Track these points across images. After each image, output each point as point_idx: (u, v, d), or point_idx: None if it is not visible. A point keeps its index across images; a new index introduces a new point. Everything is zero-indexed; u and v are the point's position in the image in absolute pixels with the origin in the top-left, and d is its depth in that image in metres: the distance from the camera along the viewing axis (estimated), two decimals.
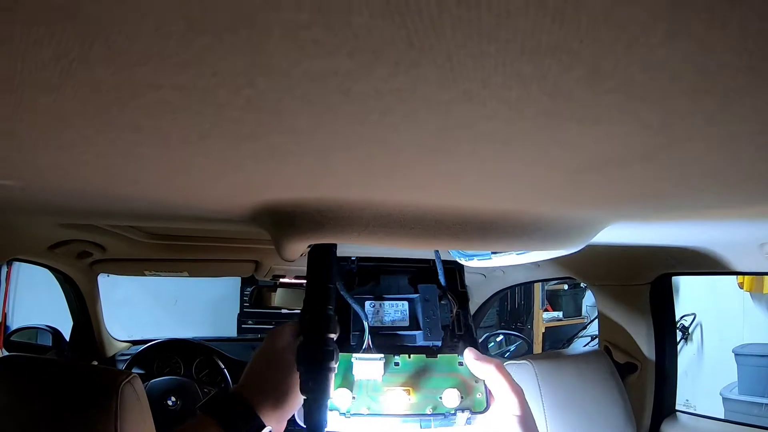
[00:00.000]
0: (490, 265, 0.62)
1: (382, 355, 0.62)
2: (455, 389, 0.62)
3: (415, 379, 0.63)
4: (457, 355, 0.65)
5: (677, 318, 3.60)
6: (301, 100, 0.21)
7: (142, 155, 0.31)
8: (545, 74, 0.19)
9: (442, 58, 0.17)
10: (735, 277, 3.14)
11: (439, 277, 0.69)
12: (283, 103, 0.22)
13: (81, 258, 1.40)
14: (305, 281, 0.56)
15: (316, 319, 0.53)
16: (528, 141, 0.27)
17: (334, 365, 0.53)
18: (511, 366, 1.17)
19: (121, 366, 1.89)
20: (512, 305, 4.05)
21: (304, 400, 0.53)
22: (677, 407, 1.48)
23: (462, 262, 0.66)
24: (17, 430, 0.74)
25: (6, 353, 1.92)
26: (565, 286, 4.30)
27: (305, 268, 0.56)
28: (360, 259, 0.73)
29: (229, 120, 0.24)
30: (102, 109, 0.24)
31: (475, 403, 0.62)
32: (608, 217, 0.54)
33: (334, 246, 0.56)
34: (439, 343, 0.66)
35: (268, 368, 0.61)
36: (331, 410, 0.58)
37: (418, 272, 0.73)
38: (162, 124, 0.25)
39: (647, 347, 1.42)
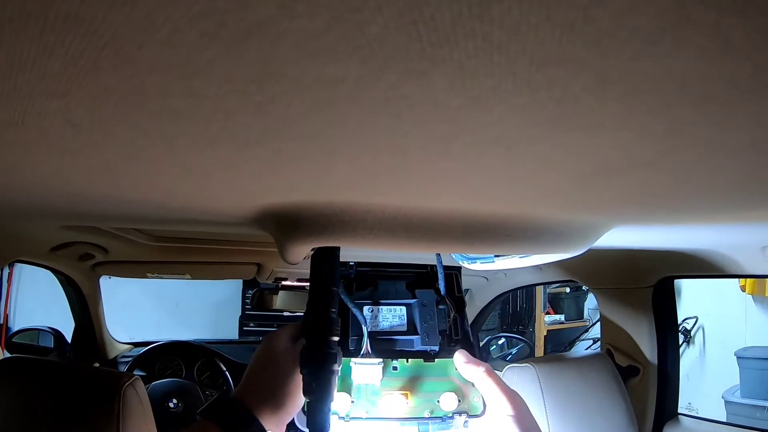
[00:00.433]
0: (493, 268, 0.62)
1: (381, 360, 0.63)
2: (452, 393, 0.63)
3: (413, 384, 0.64)
4: (453, 359, 0.65)
5: (679, 321, 3.60)
6: (311, 105, 0.22)
7: (149, 160, 0.32)
8: (553, 82, 0.19)
9: (453, 67, 0.18)
10: (737, 280, 3.13)
11: (440, 282, 0.70)
12: (293, 109, 0.22)
13: (83, 260, 1.40)
14: (307, 284, 0.57)
15: (319, 321, 0.53)
16: (534, 146, 0.27)
17: (337, 368, 0.53)
18: (514, 369, 1.17)
19: (123, 368, 1.89)
20: (514, 308, 4.05)
21: (307, 402, 0.53)
22: (680, 410, 1.48)
23: (465, 265, 0.66)
24: None
25: (8, 355, 1.92)
26: (567, 290, 4.29)
27: (307, 271, 0.56)
28: (358, 264, 0.74)
29: (238, 125, 0.24)
30: (110, 115, 0.24)
31: (471, 406, 0.63)
32: (611, 220, 0.54)
33: (338, 249, 0.56)
34: (437, 348, 0.67)
35: (265, 372, 0.62)
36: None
37: (415, 277, 0.74)
38: (170, 130, 0.25)
39: (649, 350, 1.42)
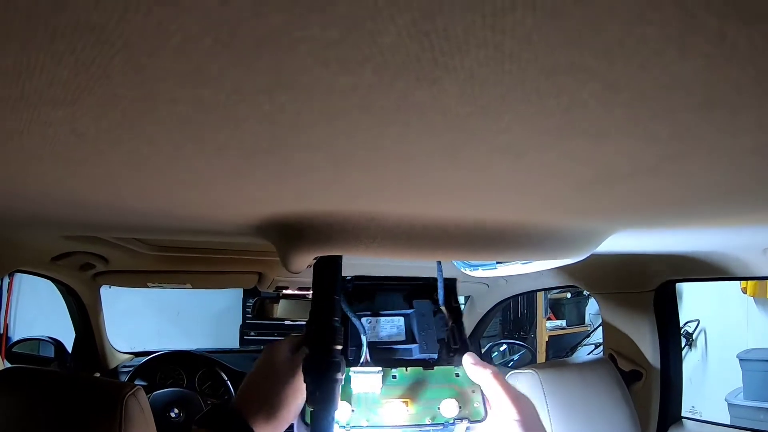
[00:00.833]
0: (495, 275, 0.62)
1: (380, 369, 0.63)
2: (453, 399, 0.63)
3: (413, 391, 0.64)
4: (453, 366, 0.66)
5: (681, 324, 3.59)
6: (320, 114, 0.22)
7: (154, 168, 0.32)
8: (561, 90, 0.19)
9: (463, 76, 0.18)
10: (738, 282, 3.13)
11: (438, 292, 0.70)
12: (302, 118, 0.22)
13: (84, 270, 1.40)
14: (308, 293, 0.57)
15: (322, 330, 0.53)
16: (540, 154, 0.27)
17: (341, 376, 0.53)
18: (517, 375, 1.17)
19: (124, 378, 1.88)
20: (515, 314, 4.04)
21: (311, 411, 0.53)
22: (683, 414, 1.48)
23: (467, 272, 0.66)
24: None
25: (8, 365, 1.92)
26: (568, 295, 4.29)
27: (309, 280, 0.56)
28: (356, 278, 0.74)
29: (246, 134, 0.24)
30: (116, 124, 0.24)
31: (473, 412, 0.63)
32: (614, 225, 0.54)
33: (340, 258, 0.56)
34: (435, 356, 0.68)
35: (264, 381, 0.62)
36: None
37: (412, 289, 0.74)
38: (177, 138, 0.25)
39: (652, 355, 1.42)
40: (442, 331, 0.70)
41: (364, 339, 0.66)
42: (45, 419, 0.75)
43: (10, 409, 0.76)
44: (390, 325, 0.69)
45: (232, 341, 3.99)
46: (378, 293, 0.73)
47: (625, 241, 0.82)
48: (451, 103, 0.20)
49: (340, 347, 0.54)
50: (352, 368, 0.63)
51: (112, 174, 0.34)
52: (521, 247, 0.49)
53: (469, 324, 2.07)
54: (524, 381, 1.15)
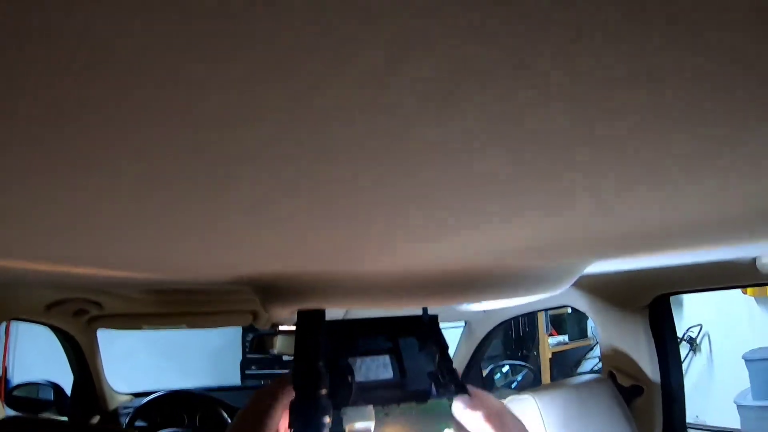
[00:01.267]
0: (478, 308, 0.63)
1: (371, 406, 0.62)
2: (450, 430, 0.62)
3: (408, 428, 0.63)
4: (446, 399, 0.65)
5: (684, 331, 3.58)
6: (296, 180, 0.22)
7: (120, 231, 0.32)
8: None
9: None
10: None
11: (425, 322, 0.69)
12: (275, 184, 0.22)
13: (78, 315, 1.40)
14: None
15: (307, 375, 0.54)
16: (515, 205, 0.28)
17: (328, 420, 0.53)
18: (514, 401, 1.17)
19: (124, 419, 1.87)
20: (517, 333, 4.02)
21: None
22: (688, 422, 1.46)
23: (452, 305, 0.66)
24: None
25: (8, 410, 1.91)
26: (569, 309, 4.26)
27: None
28: (335, 323, 0.74)
29: (220, 198, 0.24)
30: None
31: None
32: (590, 258, 0.54)
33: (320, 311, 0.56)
34: (426, 389, 0.67)
35: (248, 429, 0.60)
36: None
37: (395, 327, 0.74)
38: (149, 199, 0.26)
39: (651, 369, 1.41)
40: (430, 365, 0.69)
41: (352, 378, 0.65)
42: None
43: None
44: (375, 365, 0.68)
45: (233, 377, 3.95)
46: (361, 335, 0.72)
47: (610, 264, 0.83)
48: (427, 160, 0.21)
49: (325, 391, 0.54)
50: (342, 409, 0.62)
51: (92, 241, 0.34)
52: (499, 288, 0.50)
53: (467, 349, 2.06)
54: (522, 407, 1.14)
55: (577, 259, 0.52)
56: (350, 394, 0.64)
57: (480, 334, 2.02)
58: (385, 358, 0.68)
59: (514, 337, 4.01)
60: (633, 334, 1.42)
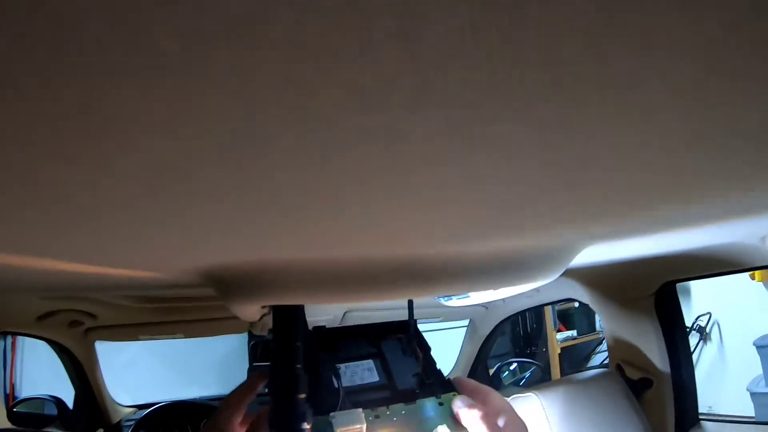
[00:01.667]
0: (469, 303, 0.60)
1: (360, 409, 0.61)
2: (445, 426, 0.61)
3: (399, 427, 0.62)
4: (435, 397, 0.64)
5: (693, 320, 3.55)
6: (265, 161, 0.20)
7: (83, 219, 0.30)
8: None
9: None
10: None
11: (411, 327, 0.69)
12: (247, 164, 0.21)
13: (73, 326, 1.38)
14: None
15: (285, 379, 0.51)
16: (492, 180, 0.25)
17: (307, 426, 0.51)
18: (517, 399, 1.14)
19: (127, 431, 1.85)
20: (524, 330, 3.99)
21: None
22: (701, 414, 1.43)
23: (443, 302, 0.64)
24: None
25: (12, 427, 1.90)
26: (576, 304, 4.22)
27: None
28: (317, 329, 0.74)
29: (186, 179, 0.22)
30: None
31: None
32: (582, 240, 0.52)
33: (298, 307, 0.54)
34: (415, 389, 0.66)
35: None
36: None
37: (376, 332, 0.74)
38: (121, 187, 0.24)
39: (660, 360, 1.38)
40: (414, 367, 0.69)
41: (338, 383, 0.64)
42: None
43: None
44: (361, 369, 0.68)
45: None
46: (344, 341, 0.72)
47: (614, 249, 0.80)
48: (403, 136, 0.19)
49: (304, 396, 0.51)
50: (331, 413, 0.60)
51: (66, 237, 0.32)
52: (488, 276, 0.47)
53: (472, 347, 2.03)
54: (524, 405, 1.11)
55: (564, 241, 0.49)
56: (338, 399, 0.62)
57: (484, 331, 1.99)
58: (370, 363, 0.68)
59: (522, 334, 3.98)
60: (639, 325, 1.39)
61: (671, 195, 0.36)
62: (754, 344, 3.01)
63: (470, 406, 0.60)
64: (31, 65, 0.12)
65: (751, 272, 3.05)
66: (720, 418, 1.43)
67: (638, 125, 0.22)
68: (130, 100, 0.15)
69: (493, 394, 0.61)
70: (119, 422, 1.94)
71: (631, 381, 1.34)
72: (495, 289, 0.50)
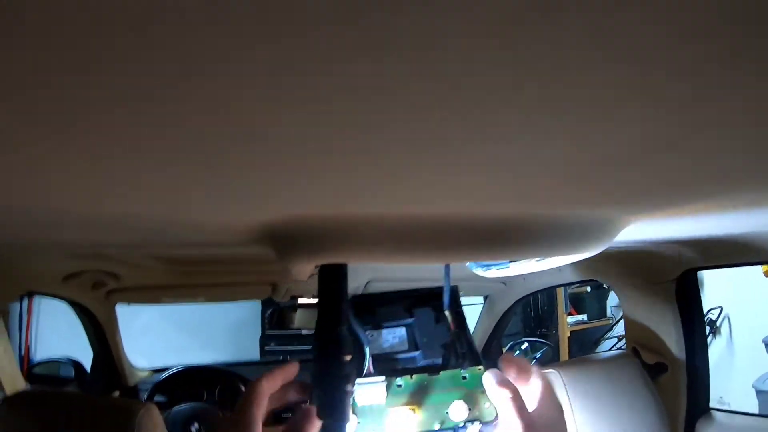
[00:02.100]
0: (509, 274, 0.60)
1: (384, 378, 0.61)
2: (462, 401, 0.61)
3: (420, 398, 0.62)
4: (460, 369, 0.63)
5: (704, 312, 3.52)
6: (319, 117, 0.20)
7: (146, 174, 0.30)
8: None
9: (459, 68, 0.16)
10: (760, 266, 3.07)
11: (444, 296, 0.68)
12: (302, 121, 0.20)
13: (96, 288, 1.39)
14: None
15: (331, 340, 0.51)
16: (543, 139, 0.25)
17: (352, 388, 0.51)
18: None
19: (144, 395, 1.87)
20: (536, 311, 3.99)
21: (322, 425, 0.51)
22: (711, 405, 1.43)
23: (480, 273, 0.64)
24: None
25: (29, 386, 1.92)
26: (588, 288, 4.24)
27: None
28: (354, 296, 0.74)
29: (244, 138, 0.22)
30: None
31: (483, 413, 0.61)
32: (628, 215, 0.51)
33: (345, 264, 0.54)
34: (440, 361, 0.66)
35: None
36: None
37: (412, 298, 0.73)
38: (174, 143, 0.24)
39: (677, 346, 1.38)
40: (446, 336, 0.68)
41: (366, 349, 0.63)
42: None
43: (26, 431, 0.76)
44: (392, 336, 0.68)
45: (252, 353, 3.97)
46: (379, 306, 0.71)
47: (641, 230, 0.79)
48: (449, 96, 0.18)
49: (349, 357, 0.52)
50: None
51: (114, 185, 0.32)
52: (534, 244, 0.47)
53: (488, 324, 2.04)
54: None
55: (611, 213, 0.49)
56: (364, 366, 0.62)
57: (501, 308, 1.99)
58: (401, 330, 0.67)
59: (533, 316, 3.98)
60: (659, 310, 1.38)
61: (749, 177, 0.36)
62: (763, 341, 3.01)
63: (502, 384, 0.57)
64: None
65: (765, 269, 3.03)
66: (730, 410, 1.43)
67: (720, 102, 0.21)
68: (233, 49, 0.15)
69: (527, 370, 0.59)
70: (136, 385, 1.97)
71: (647, 365, 1.34)
72: (542, 257, 0.50)
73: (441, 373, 0.63)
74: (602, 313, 4.32)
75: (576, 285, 4.05)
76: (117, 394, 1.88)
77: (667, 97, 0.21)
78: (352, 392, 0.51)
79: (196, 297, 1.46)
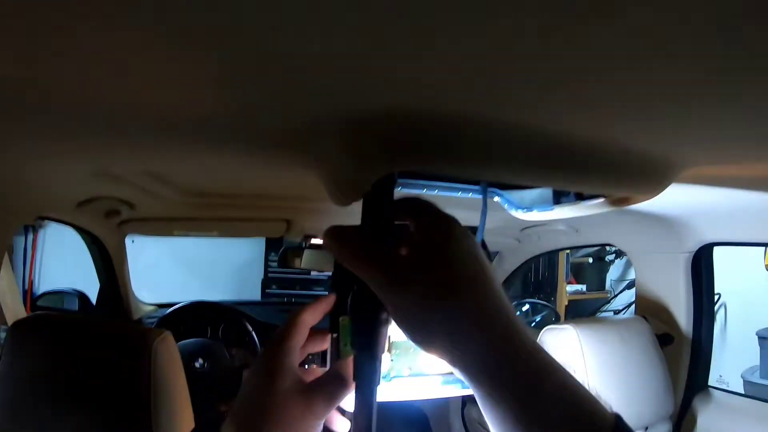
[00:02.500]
0: (550, 217, 0.58)
1: None
2: None
3: None
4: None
5: None
6: None
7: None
8: None
9: None
10: (763, 258, 3.08)
11: (479, 229, 0.65)
12: None
13: (109, 217, 1.37)
14: None
15: None
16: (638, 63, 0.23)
17: (386, 317, 0.49)
18: (553, 331, 1.14)
19: None
20: (536, 276, 4.00)
21: (354, 356, 0.49)
22: (710, 384, 1.45)
23: (519, 215, 0.61)
24: (48, 391, 0.72)
25: None
26: (590, 260, 4.24)
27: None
28: None
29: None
30: None
31: None
32: (689, 156, 0.49)
33: (393, 187, 0.51)
34: None
35: (257, 410, 0.47)
36: None
37: None
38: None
39: (685, 319, 1.39)
40: None
41: None
42: (73, 365, 0.72)
43: (36, 356, 0.73)
44: None
45: (254, 294, 4.00)
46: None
47: (674, 195, 0.78)
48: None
49: None
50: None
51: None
52: (592, 172, 0.45)
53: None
54: (561, 336, 1.12)
55: (673, 150, 0.47)
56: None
57: (510, 266, 1.99)
58: None
59: (533, 281, 4.00)
60: (671, 281, 1.38)
61: None
62: (757, 334, 3.02)
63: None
64: None
65: (767, 262, 3.03)
66: (728, 390, 1.44)
67: None
68: None
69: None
70: (140, 319, 1.98)
71: (653, 334, 1.34)
72: (597, 190, 0.47)
73: None
74: (601, 286, 4.33)
75: (579, 255, 4.06)
76: None
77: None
78: (389, 321, 0.49)
79: (210, 231, 1.44)
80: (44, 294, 2.15)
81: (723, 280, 3.38)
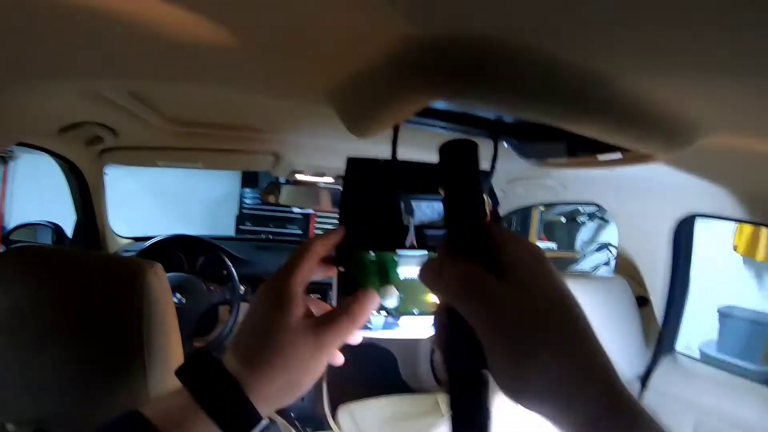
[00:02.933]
0: (567, 168, 0.57)
1: (426, 252, 0.57)
2: None
3: None
4: None
5: None
6: None
7: None
8: None
9: None
10: (731, 239, 3.19)
11: (489, 177, 0.63)
12: None
13: (91, 144, 1.31)
14: (322, 179, 0.50)
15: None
16: None
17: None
18: None
19: None
20: None
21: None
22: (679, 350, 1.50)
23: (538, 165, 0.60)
24: (33, 330, 0.68)
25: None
26: (563, 219, 4.29)
27: (327, 165, 0.49)
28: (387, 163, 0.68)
29: None
30: None
31: None
32: (724, 120, 0.48)
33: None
34: None
35: (266, 344, 0.46)
36: (379, 311, 0.54)
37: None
38: None
39: (661, 284, 1.43)
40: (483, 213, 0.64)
41: (411, 220, 0.59)
42: (61, 298, 0.68)
43: (19, 291, 0.69)
44: (430, 210, 0.62)
45: (228, 230, 3.95)
46: (418, 175, 0.65)
47: (671, 162, 0.77)
48: None
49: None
50: (398, 251, 0.57)
51: None
52: (633, 121, 0.44)
53: None
54: None
55: (699, 107, 0.46)
56: (406, 236, 0.58)
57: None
58: (438, 205, 0.61)
59: None
60: (654, 247, 1.41)
61: None
62: (718, 310, 3.12)
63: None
64: None
65: (735, 243, 3.14)
66: (692, 357, 1.50)
67: None
68: None
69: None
70: (116, 252, 1.93)
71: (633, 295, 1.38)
72: (614, 138, 0.46)
73: None
74: (571, 246, 4.40)
75: (554, 213, 4.09)
76: None
77: None
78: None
79: (194, 162, 1.38)
80: (16, 227, 2.06)
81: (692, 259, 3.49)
